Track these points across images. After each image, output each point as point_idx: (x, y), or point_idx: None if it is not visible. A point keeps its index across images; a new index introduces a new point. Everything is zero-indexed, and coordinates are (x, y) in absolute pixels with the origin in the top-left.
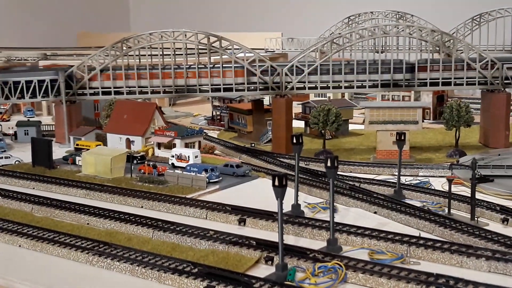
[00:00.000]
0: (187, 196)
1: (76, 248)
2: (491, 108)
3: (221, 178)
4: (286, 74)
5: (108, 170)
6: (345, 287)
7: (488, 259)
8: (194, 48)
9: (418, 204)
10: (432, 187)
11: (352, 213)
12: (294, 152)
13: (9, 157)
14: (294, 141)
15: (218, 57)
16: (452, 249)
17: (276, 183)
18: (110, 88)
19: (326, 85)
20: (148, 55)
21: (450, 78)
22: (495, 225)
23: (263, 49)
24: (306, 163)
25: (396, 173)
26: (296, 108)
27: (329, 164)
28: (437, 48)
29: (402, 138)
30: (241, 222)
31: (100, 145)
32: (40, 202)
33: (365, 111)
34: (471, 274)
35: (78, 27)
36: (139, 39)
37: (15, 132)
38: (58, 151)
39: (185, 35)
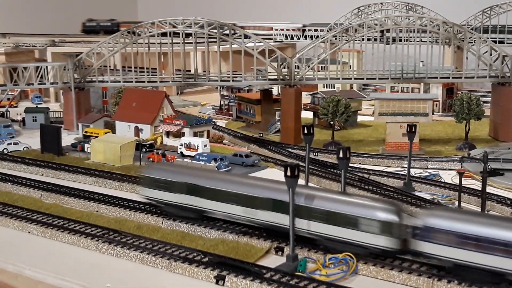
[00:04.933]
0: None
1: (85, 235)
2: (501, 101)
3: (230, 167)
4: (295, 65)
5: (117, 157)
6: (356, 278)
7: None
8: (203, 37)
9: (428, 196)
10: (442, 180)
11: None
12: (305, 143)
13: (18, 143)
14: (306, 131)
15: (228, 46)
16: None
17: (288, 173)
18: (119, 75)
19: (335, 76)
20: (158, 43)
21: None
22: None
23: (271, 39)
24: (315, 154)
25: (406, 165)
26: (305, 98)
27: (341, 155)
28: (448, 41)
29: (413, 130)
30: None
31: (109, 132)
32: (49, 189)
33: (375, 102)
34: None
35: (85, 14)
36: (148, 26)
37: (23, 118)
38: (67, 138)
39: (195, 24)
